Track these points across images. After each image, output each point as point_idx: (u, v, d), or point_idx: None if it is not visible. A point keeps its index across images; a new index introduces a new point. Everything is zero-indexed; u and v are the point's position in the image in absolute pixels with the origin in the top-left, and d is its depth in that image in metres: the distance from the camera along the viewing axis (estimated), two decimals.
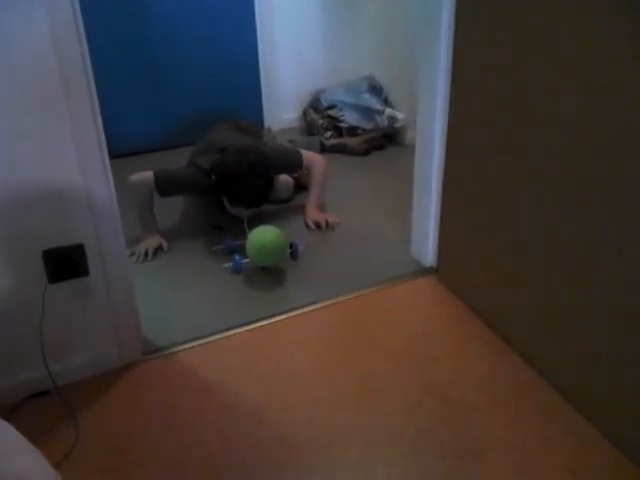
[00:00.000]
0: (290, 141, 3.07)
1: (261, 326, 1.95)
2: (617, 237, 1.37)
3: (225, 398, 1.67)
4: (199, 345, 1.86)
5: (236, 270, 2.25)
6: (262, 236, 2.18)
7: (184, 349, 1.85)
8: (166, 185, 2.37)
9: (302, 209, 2.62)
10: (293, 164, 2.55)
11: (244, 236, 2.24)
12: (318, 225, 2.52)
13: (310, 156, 2.59)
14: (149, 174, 2.35)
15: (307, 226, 2.54)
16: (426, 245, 2.21)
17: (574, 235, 1.50)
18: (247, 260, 2.24)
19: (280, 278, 2.20)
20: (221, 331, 1.92)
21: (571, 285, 1.54)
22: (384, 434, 1.54)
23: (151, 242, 2.35)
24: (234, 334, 1.91)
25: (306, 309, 2.02)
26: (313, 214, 2.56)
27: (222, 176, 2.26)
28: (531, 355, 1.74)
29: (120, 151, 3.10)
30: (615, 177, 1.34)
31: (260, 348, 1.86)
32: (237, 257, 2.25)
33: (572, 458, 1.46)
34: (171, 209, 2.69)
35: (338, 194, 2.83)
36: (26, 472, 0.89)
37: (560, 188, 1.51)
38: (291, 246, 2.29)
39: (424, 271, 2.21)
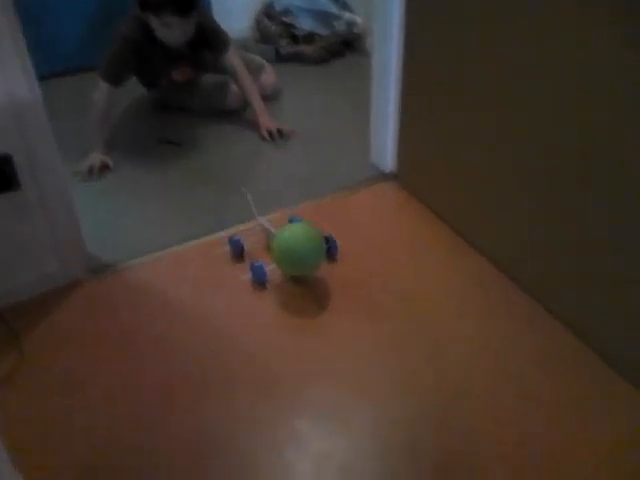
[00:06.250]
0: (243, 47, 2.90)
1: (215, 238, 1.86)
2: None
3: (182, 311, 1.60)
4: (149, 260, 1.78)
5: (259, 281, 1.67)
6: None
7: (133, 264, 1.76)
8: (113, 68, 2.28)
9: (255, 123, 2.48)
10: (221, 36, 2.50)
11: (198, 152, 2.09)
12: (272, 134, 2.41)
13: (237, 60, 2.50)
14: (99, 82, 2.27)
15: (263, 138, 2.42)
16: (385, 151, 2.11)
17: (539, 132, 1.43)
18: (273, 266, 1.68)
19: (235, 188, 2.10)
20: (173, 244, 1.83)
21: (534, 184, 1.49)
22: (344, 343, 1.50)
23: (95, 159, 2.21)
24: (187, 247, 1.83)
25: (263, 218, 1.93)
26: (265, 123, 2.44)
27: None
28: (496, 255, 1.69)
29: (54, 71, 2.86)
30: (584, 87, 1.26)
31: (215, 259, 1.77)
32: (257, 263, 1.67)
33: (536, 349, 1.44)
34: (118, 125, 2.54)
35: (296, 104, 2.70)
36: None
37: (525, 85, 1.43)
38: (327, 241, 1.74)
39: (384, 177, 2.12)
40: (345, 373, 1.41)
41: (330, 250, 1.73)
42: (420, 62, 1.81)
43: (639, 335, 1.30)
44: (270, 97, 2.68)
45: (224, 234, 1.86)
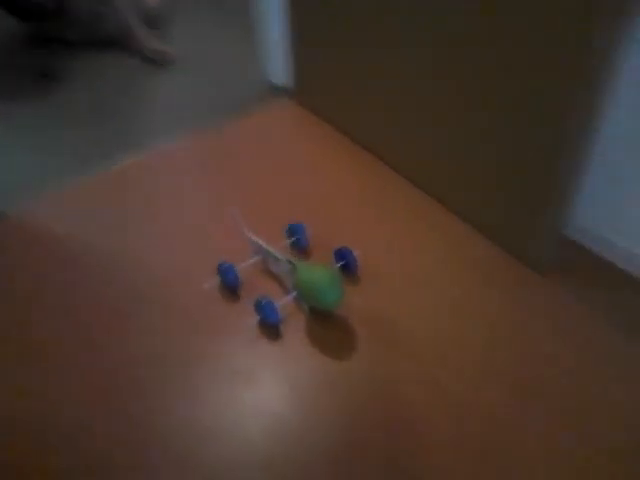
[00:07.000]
0: None
1: (103, 173, 1.72)
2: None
3: (78, 252, 1.47)
4: (34, 202, 1.62)
5: (271, 322, 1.24)
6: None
7: (22, 209, 1.60)
8: None
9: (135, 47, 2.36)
10: None
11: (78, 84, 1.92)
12: (151, 54, 2.30)
13: None
14: None
15: (144, 57, 2.31)
16: (278, 68, 2.03)
17: (423, 35, 1.37)
18: (287, 299, 1.27)
19: (118, 118, 1.95)
20: (62, 181, 1.68)
21: (423, 85, 1.44)
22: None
23: None
24: (78, 185, 1.68)
25: (156, 149, 1.81)
26: (145, 41, 2.31)
27: None
28: (395, 163, 1.66)
29: None
30: None
31: (105, 194, 1.65)
32: (264, 301, 1.22)
33: (439, 248, 1.45)
34: None
35: (183, 28, 2.55)
36: None
37: None
38: (343, 256, 1.37)
39: (279, 94, 2.04)
40: None
41: (349, 265, 1.36)
42: None
43: (531, 222, 1.32)
44: (154, 21, 2.51)
45: (119, 167, 1.74)
